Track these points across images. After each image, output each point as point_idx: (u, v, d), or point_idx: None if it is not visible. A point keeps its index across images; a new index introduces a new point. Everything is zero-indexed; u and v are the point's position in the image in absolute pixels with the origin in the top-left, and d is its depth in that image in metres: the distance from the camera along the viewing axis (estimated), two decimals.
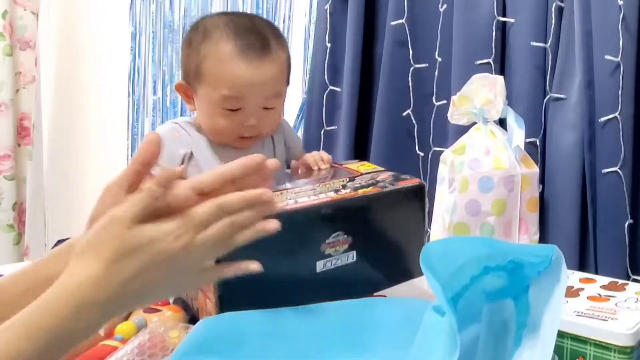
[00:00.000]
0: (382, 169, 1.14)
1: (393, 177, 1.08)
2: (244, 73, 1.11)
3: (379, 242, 1.03)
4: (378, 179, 1.07)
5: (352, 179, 1.07)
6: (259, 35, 1.14)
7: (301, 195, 0.98)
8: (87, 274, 0.59)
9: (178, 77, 2.11)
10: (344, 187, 1.03)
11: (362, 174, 1.11)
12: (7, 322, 0.58)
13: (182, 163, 1.15)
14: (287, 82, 1.23)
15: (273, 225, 0.66)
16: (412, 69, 1.50)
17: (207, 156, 1.18)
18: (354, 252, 0.99)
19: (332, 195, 0.98)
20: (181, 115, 2.13)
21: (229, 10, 1.97)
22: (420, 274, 0.95)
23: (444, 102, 1.43)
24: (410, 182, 1.07)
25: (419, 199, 1.08)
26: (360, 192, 1.00)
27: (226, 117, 1.14)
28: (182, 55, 1.20)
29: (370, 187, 1.03)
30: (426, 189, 1.10)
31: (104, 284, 0.59)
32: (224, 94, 1.12)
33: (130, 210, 0.61)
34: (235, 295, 0.88)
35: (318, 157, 1.22)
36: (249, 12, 1.91)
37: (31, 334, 0.57)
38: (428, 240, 1.28)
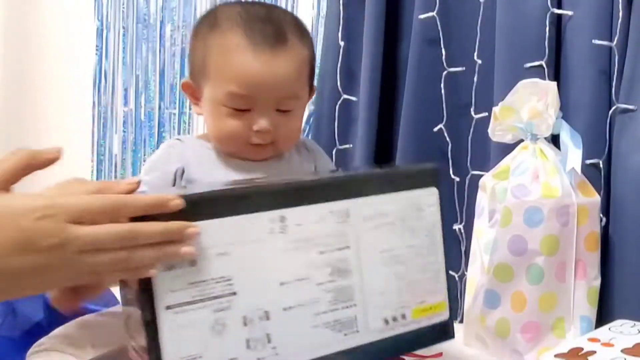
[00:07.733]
0: None
1: None
2: (252, 67, 1.14)
3: None
4: None
5: None
6: (274, 25, 1.18)
7: None
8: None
9: (154, 84, 2.12)
10: None
11: None
12: None
13: (175, 179, 1.19)
14: (310, 85, 1.26)
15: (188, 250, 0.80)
16: (445, 73, 1.49)
17: (207, 168, 1.20)
18: None
19: None
20: (158, 130, 2.13)
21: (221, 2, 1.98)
22: None
23: (485, 114, 1.42)
24: None
25: None
26: None
27: (233, 118, 1.16)
28: (189, 49, 1.26)
29: None
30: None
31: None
32: (229, 91, 1.15)
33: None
34: None
35: None
36: None
37: None
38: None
